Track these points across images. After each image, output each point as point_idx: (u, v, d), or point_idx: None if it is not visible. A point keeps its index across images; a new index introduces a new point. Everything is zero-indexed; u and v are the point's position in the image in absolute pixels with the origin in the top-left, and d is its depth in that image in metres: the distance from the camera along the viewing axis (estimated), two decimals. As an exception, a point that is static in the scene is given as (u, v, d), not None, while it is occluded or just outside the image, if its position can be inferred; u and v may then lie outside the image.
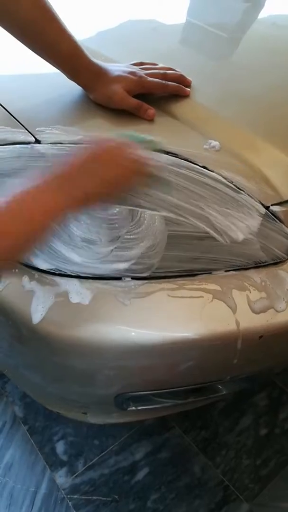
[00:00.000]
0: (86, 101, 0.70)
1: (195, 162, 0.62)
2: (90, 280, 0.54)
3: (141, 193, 0.56)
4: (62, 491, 0.94)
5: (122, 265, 0.53)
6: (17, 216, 0.42)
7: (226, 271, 0.57)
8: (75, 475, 0.96)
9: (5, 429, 1.02)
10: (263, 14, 1.20)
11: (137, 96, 0.69)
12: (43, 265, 0.54)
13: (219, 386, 0.74)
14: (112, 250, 0.53)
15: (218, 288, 0.54)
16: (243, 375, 0.67)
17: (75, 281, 0.53)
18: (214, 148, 0.65)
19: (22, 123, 0.64)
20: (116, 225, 0.54)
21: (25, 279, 0.54)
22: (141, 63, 0.75)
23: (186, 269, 0.56)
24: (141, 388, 0.64)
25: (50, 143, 0.61)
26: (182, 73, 0.76)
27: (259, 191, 0.62)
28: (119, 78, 0.68)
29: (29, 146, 0.60)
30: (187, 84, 0.75)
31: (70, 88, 0.70)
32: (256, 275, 0.58)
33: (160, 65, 0.76)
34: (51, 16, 0.62)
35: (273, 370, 0.86)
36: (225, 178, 0.61)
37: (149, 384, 0.63)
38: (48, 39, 0.63)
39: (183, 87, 0.73)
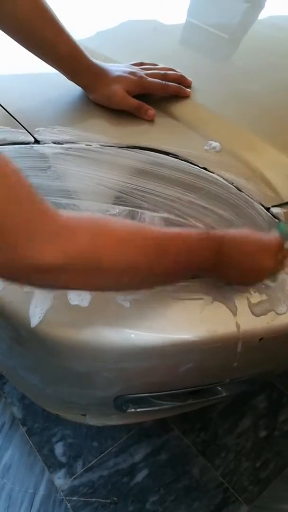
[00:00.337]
0: (86, 101, 0.70)
1: (195, 163, 0.62)
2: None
3: (140, 193, 0.56)
4: (61, 493, 0.93)
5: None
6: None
7: (226, 272, 0.57)
8: (73, 476, 0.96)
9: (3, 430, 1.02)
10: (263, 14, 1.20)
11: (137, 96, 0.69)
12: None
13: (218, 388, 0.74)
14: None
15: (218, 290, 0.54)
16: (243, 377, 0.67)
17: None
18: (214, 149, 0.65)
19: (21, 123, 0.64)
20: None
21: (24, 280, 0.53)
22: (141, 63, 0.75)
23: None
24: (140, 390, 0.63)
25: (50, 143, 0.60)
26: (183, 73, 0.75)
27: (259, 192, 0.61)
28: (119, 79, 0.68)
29: (28, 146, 0.60)
30: (188, 84, 0.75)
31: (70, 88, 0.70)
32: (256, 277, 0.57)
33: (160, 65, 0.76)
34: (49, 17, 0.62)
35: (273, 372, 0.85)
36: (225, 180, 0.60)
37: (148, 386, 0.63)
38: (47, 40, 0.63)
39: (184, 87, 0.73)
